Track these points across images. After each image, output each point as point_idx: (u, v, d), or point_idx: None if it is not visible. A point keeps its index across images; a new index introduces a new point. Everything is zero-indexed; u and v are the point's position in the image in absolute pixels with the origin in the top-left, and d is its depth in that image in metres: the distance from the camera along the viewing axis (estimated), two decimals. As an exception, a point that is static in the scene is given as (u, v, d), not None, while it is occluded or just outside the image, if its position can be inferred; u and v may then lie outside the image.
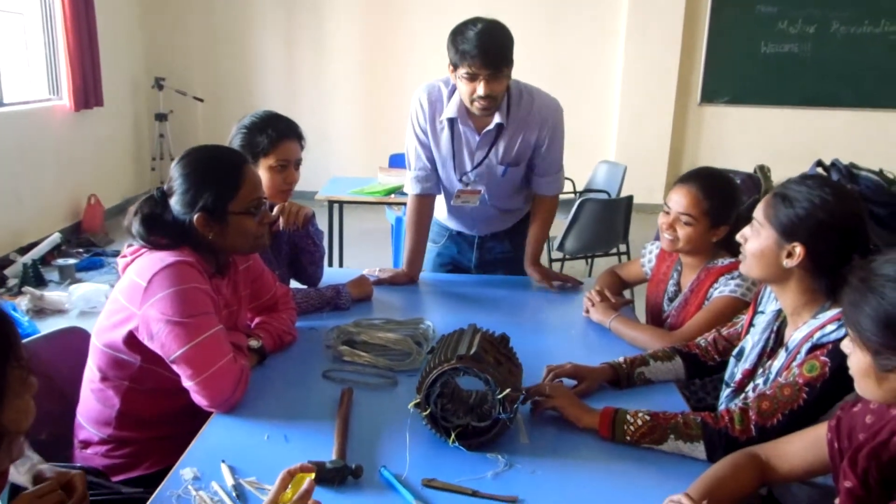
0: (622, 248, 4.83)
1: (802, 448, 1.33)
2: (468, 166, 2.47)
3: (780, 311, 1.63)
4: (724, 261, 2.04)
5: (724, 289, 1.97)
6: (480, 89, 2.21)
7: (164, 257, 1.59)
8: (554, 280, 2.53)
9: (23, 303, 4.27)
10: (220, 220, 1.66)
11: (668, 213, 2.08)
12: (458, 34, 2.21)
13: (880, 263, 1.09)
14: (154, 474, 1.56)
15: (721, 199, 2.03)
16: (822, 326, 1.46)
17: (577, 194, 5.24)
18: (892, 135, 7.19)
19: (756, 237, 1.56)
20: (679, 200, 2.05)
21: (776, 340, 1.63)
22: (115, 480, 1.61)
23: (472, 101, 2.27)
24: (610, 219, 4.49)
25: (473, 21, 2.21)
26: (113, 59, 6.48)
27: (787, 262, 1.50)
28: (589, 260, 5.21)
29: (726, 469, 1.34)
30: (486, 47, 2.15)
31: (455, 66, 2.24)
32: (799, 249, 1.48)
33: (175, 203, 1.66)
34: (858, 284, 1.10)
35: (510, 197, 2.57)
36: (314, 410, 1.63)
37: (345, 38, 7.37)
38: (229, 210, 1.66)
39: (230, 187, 1.66)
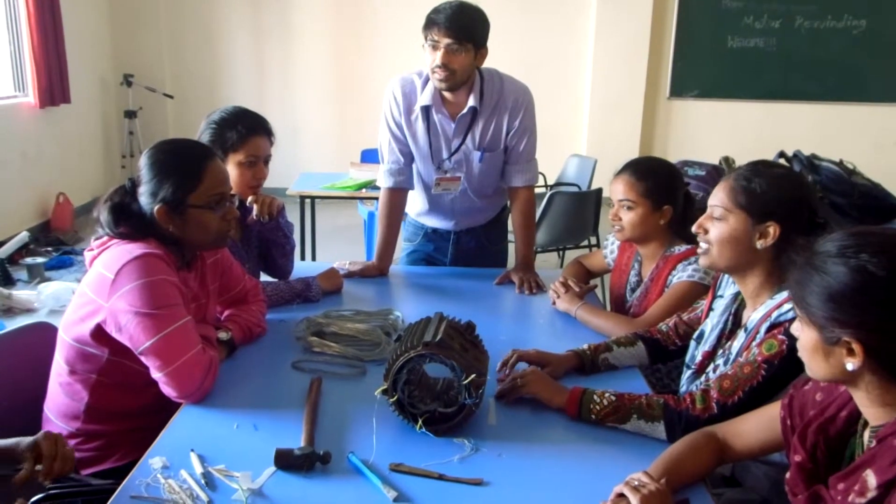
0: (592, 240, 4.87)
1: (757, 426, 1.38)
2: (445, 154, 2.49)
3: (738, 294, 1.68)
4: (681, 248, 2.09)
5: (682, 275, 2.02)
6: (438, 58, 2.25)
7: (131, 249, 1.59)
8: (525, 287, 2.44)
9: (-10, 302, 4.23)
10: (180, 213, 1.66)
11: (613, 205, 2.14)
12: (433, 8, 2.27)
13: (822, 242, 1.13)
14: (123, 466, 1.57)
15: (655, 179, 2.10)
16: (779, 306, 1.52)
17: (548, 187, 5.28)
18: (854, 127, 7.34)
19: (723, 224, 1.58)
20: (617, 188, 2.13)
21: (734, 322, 1.67)
22: (85, 473, 1.61)
23: (432, 71, 2.30)
24: (580, 211, 4.53)
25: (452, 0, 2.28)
26: (80, 55, 6.40)
27: (761, 243, 1.54)
28: (560, 252, 5.26)
29: (685, 449, 1.38)
30: (450, 17, 2.22)
31: (424, 38, 2.28)
32: (772, 229, 1.53)
33: (141, 194, 1.67)
34: (803, 263, 1.14)
35: (489, 184, 2.59)
36: (283, 400, 1.65)
37: (314, 33, 7.35)
38: (189, 203, 1.66)
39: (191, 180, 1.66)
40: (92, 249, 1.69)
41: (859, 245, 1.08)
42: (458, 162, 2.50)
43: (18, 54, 5.78)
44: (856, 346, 1.08)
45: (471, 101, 2.38)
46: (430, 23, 2.25)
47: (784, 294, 1.52)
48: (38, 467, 1.29)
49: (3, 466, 1.34)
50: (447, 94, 2.39)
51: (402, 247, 2.83)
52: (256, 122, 2.15)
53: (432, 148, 2.48)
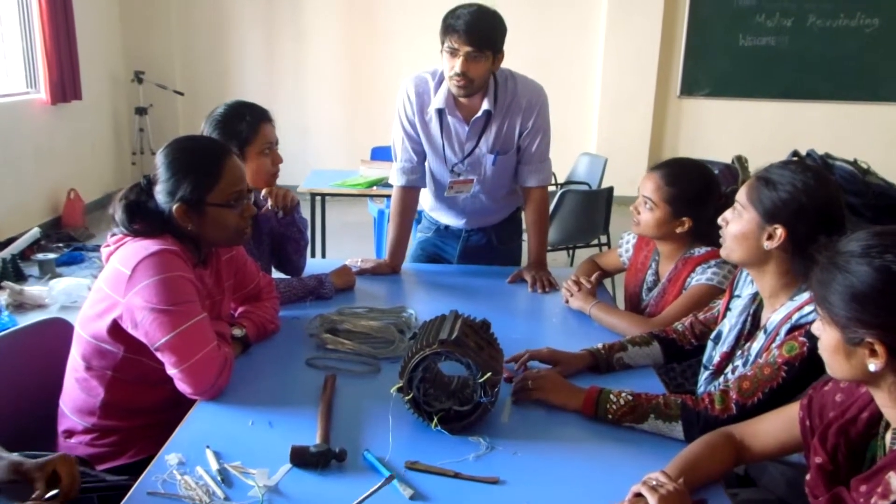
0: (603, 238, 4.87)
1: (775, 427, 1.37)
2: (458, 157, 2.48)
3: (756, 295, 1.67)
4: (701, 250, 2.07)
5: (700, 277, 2.00)
6: (457, 66, 2.23)
7: (147, 245, 1.59)
8: (537, 285, 2.44)
9: (2, 297, 4.24)
10: (198, 212, 1.65)
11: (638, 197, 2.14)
12: (450, 12, 2.24)
13: (846, 242, 1.12)
14: (138, 462, 1.57)
15: (685, 187, 2.04)
16: (800, 308, 1.50)
17: (559, 186, 5.27)
18: (868, 126, 7.29)
19: (738, 219, 1.59)
20: (645, 184, 2.11)
21: (753, 323, 1.66)
22: (100, 469, 1.61)
23: (450, 78, 2.28)
24: (591, 210, 4.53)
25: (469, 3, 2.25)
26: (91, 52, 6.41)
27: (768, 244, 1.54)
28: (570, 251, 5.25)
29: (702, 448, 1.37)
30: (469, 24, 2.18)
31: (441, 42, 2.26)
32: (780, 231, 1.52)
33: (158, 192, 1.67)
34: (826, 263, 1.13)
35: (502, 186, 2.58)
36: (298, 397, 1.65)
37: (325, 31, 7.34)
38: (208, 201, 1.65)
39: (209, 178, 1.65)
40: (108, 245, 1.68)
41: (885, 245, 1.07)
42: (472, 164, 2.49)
43: (30, 51, 5.79)
44: (879, 347, 1.07)
45: (485, 105, 2.36)
46: (449, 29, 2.21)
47: (804, 296, 1.51)
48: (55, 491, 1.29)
49: (7, 481, 1.33)
50: (461, 98, 2.37)
51: (415, 236, 2.83)
52: (259, 110, 2.16)
53: (445, 150, 2.47)
